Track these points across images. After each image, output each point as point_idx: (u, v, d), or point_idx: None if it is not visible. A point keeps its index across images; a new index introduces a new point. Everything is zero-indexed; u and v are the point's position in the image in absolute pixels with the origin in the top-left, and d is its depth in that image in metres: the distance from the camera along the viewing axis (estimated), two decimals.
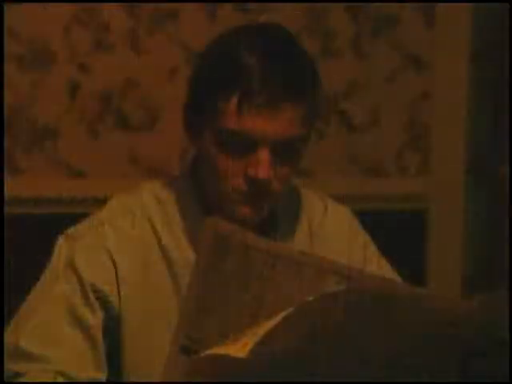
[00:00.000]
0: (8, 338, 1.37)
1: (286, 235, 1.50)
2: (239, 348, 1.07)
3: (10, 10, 2.38)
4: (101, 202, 1.49)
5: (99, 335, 1.39)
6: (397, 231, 2.54)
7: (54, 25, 2.44)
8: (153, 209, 1.45)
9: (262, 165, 1.33)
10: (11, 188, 2.32)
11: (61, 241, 1.44)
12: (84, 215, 1.47)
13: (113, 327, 1.40)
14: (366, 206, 2.44)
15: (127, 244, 1.43)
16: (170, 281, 1.44)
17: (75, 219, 1.47)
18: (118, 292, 1.41)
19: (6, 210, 2.12)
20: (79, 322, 1.38)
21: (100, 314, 1.39)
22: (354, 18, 2.57)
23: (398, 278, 1.53)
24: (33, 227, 2.41)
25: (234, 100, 1.31)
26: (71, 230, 1.45)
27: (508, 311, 1.02)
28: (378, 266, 1.53)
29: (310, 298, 1.07)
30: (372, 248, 1.56)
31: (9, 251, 2.00)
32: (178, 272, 1.43)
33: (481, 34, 2.67)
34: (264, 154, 1.33)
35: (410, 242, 2.61)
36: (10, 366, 1.35)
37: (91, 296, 1.39)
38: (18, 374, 1.35)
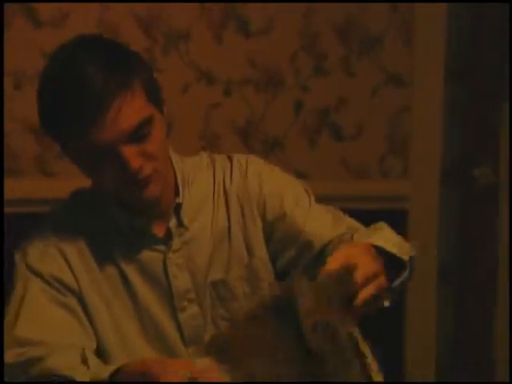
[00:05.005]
0: (6, 334, 1.40)
1: (194, 200, 1.50)
2: None
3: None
4: None
5: (80, 311, 1.44)
6: None
7: None
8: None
9: (128, 159, 1.33)
10: (11, 188, 2.31)
11: (16, 255, 1.47)
12: None
13: (84, 309, 1.45)
14: (354, 206, 2.45)
15: (70, 234, 1.45)
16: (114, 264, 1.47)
17: None
18: (75, 277, 1.44)
19: (6, 210, 2.06)
20: (62, 305, 1.43)
21: (71, 298, 1.44)
22: (344, 40, 2.60)
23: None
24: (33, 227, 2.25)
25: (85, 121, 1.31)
26: (23, 243, 1.48)
27: None
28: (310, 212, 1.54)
29: None
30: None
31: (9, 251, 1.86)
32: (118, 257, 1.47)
33: (455, 54, 2.70)
34: (125, 152, 1.33)
35: None
36: (30, 353, 1.35)
37: (57, 285, 1.43)
38: (39, 359, 1.35)
